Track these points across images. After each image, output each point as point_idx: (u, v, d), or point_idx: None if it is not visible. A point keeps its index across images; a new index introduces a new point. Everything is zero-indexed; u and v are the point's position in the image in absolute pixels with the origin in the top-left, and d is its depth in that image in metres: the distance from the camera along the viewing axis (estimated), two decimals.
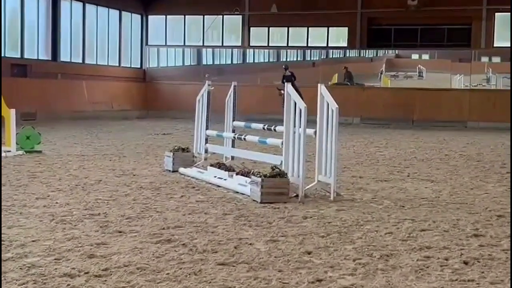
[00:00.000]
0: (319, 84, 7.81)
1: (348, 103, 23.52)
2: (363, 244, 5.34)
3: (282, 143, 7.90)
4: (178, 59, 32.35)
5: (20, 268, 4.37)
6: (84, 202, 7.04)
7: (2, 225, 5.71)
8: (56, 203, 6.94)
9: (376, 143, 16.66)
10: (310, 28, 29.26)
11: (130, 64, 30.71)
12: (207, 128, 9.99)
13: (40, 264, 4.49)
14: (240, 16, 29.70)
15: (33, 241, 5.16)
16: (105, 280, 4.18)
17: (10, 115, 11.64)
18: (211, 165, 9.30)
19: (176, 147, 10.15)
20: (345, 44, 29.28)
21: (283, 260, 4.78)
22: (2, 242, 5.07)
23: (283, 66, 26.51)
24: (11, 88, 20.46)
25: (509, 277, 4.42)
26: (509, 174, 10.28)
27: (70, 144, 14.25)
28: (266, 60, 31.98)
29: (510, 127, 20.19)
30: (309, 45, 29.63)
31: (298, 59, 31.15)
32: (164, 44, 31.34)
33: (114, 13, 29.21)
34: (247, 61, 31.65)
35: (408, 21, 27.66)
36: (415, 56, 30.59)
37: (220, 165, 9.24)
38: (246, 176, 8.14)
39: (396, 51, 30.18)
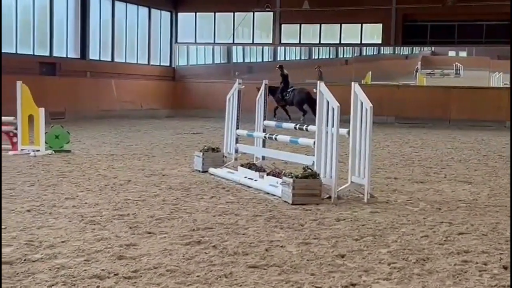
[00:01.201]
0: (352, 83, 7.76)
1: (382, 101, 23.37)
2: (398, 247, 5.30)
3: (314, 143, 7.87)
4: (208, 57, 32.44)
5: (50, 269, 4.43)
6: (113, 202, 7.11)
7: (31, 225, 5.80)
8: (85, 203, 7.01)
9: (411, 143, 16.52)
10: (343, 25, 29.15)
11: (159, 62, 30.92)
12: (237, 128, 10.00)
13: (69, 265, 4.55)
14: (271, 13, 29.72)
15: (62, 241, 5.22)
16: (135, 282, 4.21)
17: (39, 114, 11.79)
18: (242, 166, 9.32)
19: (206, 147, 10.18)
20: (379, 41, 29.11)
21: (315, 263, 4.76)
22: (31, 243, 5.15)
23: (278, 66, 26.42)
24: (40, 87, 20.76)
25: None
26: None
27: (99, 143, 14.40)
28: (298, 58, 31.87)
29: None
30: (341, 42, 29.51)
31: (331, 56, 30.98)
32: (193, 41, 31.49)
33: (144, 10, 29.44)
34: (278, 59, 31.57)
35: (445, 17, 27.38)
36: (452, 53, 30.19)
37: (250, 166, 9.25)
38: (277, 177, 8.13)
39: (432, 48, 29.81)
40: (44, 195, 7.42)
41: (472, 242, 5.56)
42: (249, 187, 8.39)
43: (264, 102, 9.83)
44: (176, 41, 31.38)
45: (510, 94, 24.01)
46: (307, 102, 24.59)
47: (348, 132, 7.68)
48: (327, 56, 31.01)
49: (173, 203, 7.16)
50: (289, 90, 25.40)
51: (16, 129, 11.87)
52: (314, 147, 7.87)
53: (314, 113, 27.87)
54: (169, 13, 31.08)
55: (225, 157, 10.13)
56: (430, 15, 27.48)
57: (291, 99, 25.33)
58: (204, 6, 30.18)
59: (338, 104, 7.46)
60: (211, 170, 9.65)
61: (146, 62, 29.95)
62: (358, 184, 7.62)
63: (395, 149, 14.76)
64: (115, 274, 4.35)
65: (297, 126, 8.97)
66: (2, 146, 12.23)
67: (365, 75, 28.36)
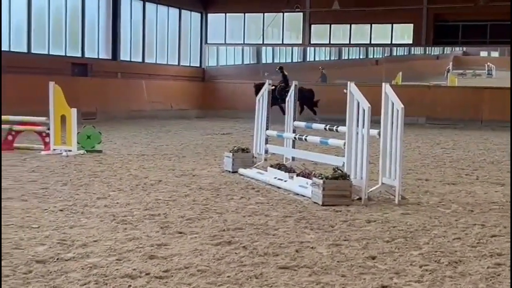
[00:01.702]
0: (383, 83, 7.71)
1: (413, 102, 23.15)
2: (430, 249, 5.25)
3: (344, 144, 7.84)
4: (237, 58, 32.52)
5: (82, 268, 4.47)
6: (144, 202, 7.16)
7: (64, 225, 5.87)
8: (117, 203, 7.07)
9: (442, 144, 16.36)
10: (373, 25, 29.01)
11: (189, 63, 31.09)
12: (267, 128, 10.01)
13: (101, 264, 4.59)
14: (301, 13, 29.68)
15: (94, 241, 5.27)
16: (166, 282, 4.24)
17: (71, 114, 11.92)
18: (271, 166, 9.32)
19: (235, 148, 10.20)
20: (410, 41, 28.90)
21: (346, 265, 4.74)
22: (64, 242, 5.21)
23: (278, 68, 26.78)
24: (72, 88, 20.97)
25: None
26: None
27: (130, 143, 14.52)
28: (327, 58, 31.79)
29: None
30: (372, 42, 29.36)
31: (361, 57, 30.84)
32: (223, 42, 31.59)
33: (174, 11, 29.63)
34: (308, 59, 31.53)
35: (477, 17, 27.07)
36: (483, 54, 29.83)
37: (280, 166, 9.25)
38: (307, 178, 8.12)
39: (464, 48, 29.51)
40: (76, 195, 7.51)
41: (505, 244, 5.49)
42: (278, 187, 8.38)
43: (294, 103, 9.82)
44: (206, 42, 31.52)
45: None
46: (307, 100, 25.60)
47: (379, 133, 7.63)
48: (357, 57, 30.87)
49: (203, 204, 7.18)
50: (288, 89, 25.64)
51: (48, 129, 12.02)
52: (344, 148, 7.84)
53: (313, 111, 27.80)
54: (199, 14, 31.22)
55: (255, 157, 10.14)
56: (461, 15, 27.19)
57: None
58: (234, 6, 30.26)
59: (369, 105, 7.41)
60: (241, 170, 9.66)
61: (176, 63, 30.13)
62: (389, 185, 7.57)
63: (426, 150, 14.63)
64: (146, 274, 4.38)
65: (327, 127, 8.93)
66: (35, 146, 12.43)
67: (395, 75, 28.17)
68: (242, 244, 5.28)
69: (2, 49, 21.66)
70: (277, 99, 25.82)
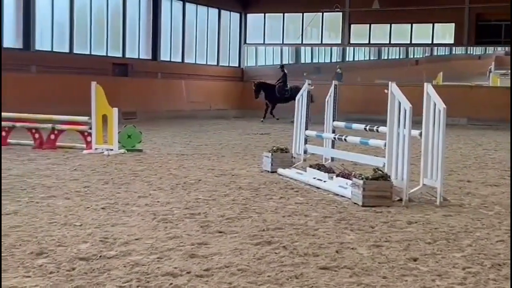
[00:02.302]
0: (425, 83, 7.62)
1: (454, 102, 22.78)
2: (473, 252, 5.18)
3: (385, 145, 7.77)
4: (276, 58, 32.50)
5: (124, 266, 4.52)
6: (184, 201, 7.21)
7: (106, 223, 5.94)
8: (158, 201, 7.13)
9: (484, 145, 16.11)
10: (414, 25, 28.70)
11: (228, 63, 31.20)
12: (306, 129, 9.98)
13: (143, 262, 4.63)
14: (340, 13, 29.53)
15: (136, 239, 5.32)
16: (207, 281, 4.26)
17: (113, 114, 12.07)
18: (310, 166, 9.29)
19: (274, 148, 10.19)
20: (451, 41, 28.52)
21: (387, 266, 4.70)
22: (106, 240, 5.27)
23: (280, 66, 27.08)
24: (113, 88, 21.23)
25: None
26: None
27: (169, 143, 14.63)
28: (367, 58, 31.56)
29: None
30: (412, 42, 29.05)
31: (401, 57, 30.54)
32: (262, 42, 31.61)
33: (213, 11, 29.77)
34: (347, 59, 31.35)
35: None
36: None
37: (319, 167, 9.21)
38: (347, 178, 8.07)
39: (506, 48, 28.99)
40: (117, 193, 7.59)
41: None
42: (318, 188, 8.35)
43: (334, 103, 9.77)
44: (245, 42, 31.59)
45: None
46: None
47: (420, 134, 7.55)
48: (397, 57, 30.59)
49: (243, 203, 7.20)
50: (287, 88, 25.96)
51: (90, 128, 12.18)
52: (385, 148, 7.77)
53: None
54: (238, 14, 31.31)
55: (294, 157, 10.12)
56: (504, 14, 26.68)
57: (290, 96, 25.49)
58: (273, 7, 30.27)
59: (410, 105, 7.34)
60: (280, 170, 9.65)
61: (215, 63, 30.27)
62: (430, 186, 7.48)
63: (467, 151, 14.42)
64: (187, 272, 4.41)
65: (368, 127, 8.86)
66: (77, 145, 12.62)
67: (436, 75, 27.83)
68: (282, 244, 5.27)
69: (46, 49, 22.08)
70: (278, 98, 26.07)
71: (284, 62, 28.17)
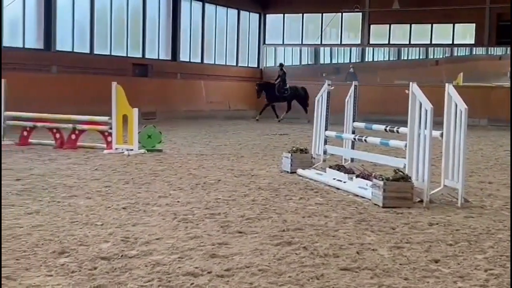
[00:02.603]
0: (446, 84, 7.57)
1: (474, 103, 22.66)
2: (495, 254, 5.13)
3: (405, 145, 7.74)
4: (295, 58, 32.48)
5: (146, 266, 4.54)
6: (204, 201, 7.22)
7: (127, 222, 5.97)
8: (178, 201, 7.16)
9: (505, 146, 15.96)
10: (434, 25, 28.53)
11: (247, 64, 31.24)
12: (326, 129, 9.96)
13: (164, 262, 4.65)
14: (360, 13, 29.44)
15: (157, 239, 5.34)
16: (228, 281, 4.26)
17: (133, 114, 12.12)
18: (330, 167, 9.27)
19: (294, 148, 10.18)
20: (471, 41, 28.30)
21: (408, 268, 4.67)
22: (127, 239, 5.29)
23: (279, 64, 27.24)
24: (133, 88, 21.34)
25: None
26: None
27: (189, 143, 14.67)
28: (386, 59, 31.44)
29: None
30: (432, 42, 28.89)
31: (421, 57, 30.38)
32: (281, 43, 31.60)
33: (233, 12, 29.82)
34: (366, 59, 31.25)
35: None
36: None
37: (339, 167, 9.19)
38: (367, 179, 8.04)
39: None
40: (138, 193, 7.63)
41: None
42: (337, 189, 8.33)
43: (354, 104, 9.74)
44: (264, 43, 31.59)
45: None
46: (302, 99, 26.24)
47: (441, 134, 7.50)
48: (417, 57, 30.43)
49: (263, 204, 7.19)
50: (286, 87, 26.10)
51: (111, 128, 12.25)
52: (405, 149, 7.73)
53: (305, 109, 27.40)
54: (257, 15, 31.34)
55: (314, 158, 10.10)
56: None
57: (289, 95, 26.15)
58: (292, 7, 30.25)
59: (431, 106, 7.29)
60: (300, 171, 9.64)
61: (235, 64, 30.32)
62: (451, 187, 7.43)
63: (488, 152, 14.31)
64: (208, 272, 4.41)
65: (388, 128, 8.82)
66: (98, 145, 12.70)
67: (456, 76, 27.63)
68: (302, 244, 5.27)
69: (67, 49, 22.25)
70: (278, 97, 26.06)
71: (283, 63, 28.16)
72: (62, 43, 22.04)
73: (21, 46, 20.85)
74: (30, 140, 13.15)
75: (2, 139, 13.17)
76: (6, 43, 20.21)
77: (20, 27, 20.87)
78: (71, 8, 22.27)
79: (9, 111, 13.43)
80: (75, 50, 22.58)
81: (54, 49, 21.56)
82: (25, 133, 13.15)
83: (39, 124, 13.11)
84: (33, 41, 21.30)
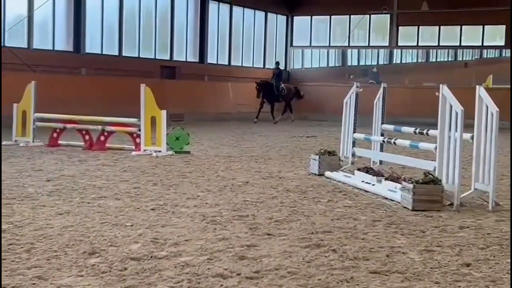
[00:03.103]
0: (477, 86, 7.48)
1: (504, 106, 22.37)
2: None
3: (435, 148, 7.66)
4: (322, 60, 32.42)
5: (175, 267, 4.55)
6: (232, 203, 7.22)
7: (156, 224, 6.00)
8: (206, 203, 7.17)
9: None
10: (463, 27, 28.26)
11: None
12: (354, 131, 9.91)
13: (193, 263, 4.65)
14: (388, 15, 29.26)
15: (185, 240, 5.35)
16: (257, 283, 4.25)
17: (161, 116, 12.19)
18: (359, 169, 9.21)
19: (322, 150, 10.14)
20: (501, 43, 27.95)
21: (439, 271, 4.62)
22: (157, 240, 5.32)
23: (276, 62, 26.92)
24: (161, 90, 21.48)
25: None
26: None
27: (216, 145, 14.70)
28: (414, 61, 31.22)
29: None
30: (461, 44, 28.60)
31: (449, 59, 30.12)
32: (308, 45, 31.55)
33: (260, 14, 29.85)
34: (394, 61, 31.07)
35: None
36: None
37: (367, 170, 9.13)
38: (396, 182, 7.98)
39: None
40: (166, 195, 7.66)
41: None
42: (366, 191, 8.28)
43: (382, 106, 9.68)
44: (291, 45, 31.58)
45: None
46: (296, 98, 26.11)
47: (472, 137, 7.41)
48: (446, 59, 30.17)
49: (291, 206, 7.18)
50: (282, 86, 25.62)
51: (139, 130, 12.32)
52: (435, 152, 7.66)
53: (291, 109, 26.18)
54: (284, 17, 31.32)
55: (342, 160, 10.06)
56: None
57: (286, 95, 25.72)
58: (319, 9, 30.18)
59: (462, 108, 7.21)
60: (328, 173, 9.60)
61: (262, 66, 30.32)
62: (482, 191, 7.33)
63: None
64: (237, 274, 4.41)
65: (417, 130, 8.74)
66: (126, 146, 12.79)
67: (485, 78, 27.32)
68: (331, 247, 5.24)
69: (96, 52, 22.46)
70: (277, 96, 25.49)
71: (279, 62, 27.69)
72: (91, 46, 22.27)
73: (51, 48, 21.10)
74: (59, 142, 13.30)
75: (32, 140, 13.34)
76: (36, 45, 20.50)
77: (50, 29, 21.14)
78: (100, 11, 22.50)
79: (39, 113, 13.59)
80: (104, 52, 22.80)
81: (83, 52, 21.79)
82: (55, 135, 13.30)
83: (68, 125, 13.24)
84: (63, 43, 21.56)
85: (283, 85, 25.71)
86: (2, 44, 19.32)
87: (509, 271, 4.68)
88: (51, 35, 21.16)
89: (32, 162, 10.49)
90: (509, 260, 5.00)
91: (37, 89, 13.58)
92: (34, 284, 4.09)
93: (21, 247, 4.95)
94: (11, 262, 4.54)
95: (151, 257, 4.79)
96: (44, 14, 20.62)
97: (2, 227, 5.64)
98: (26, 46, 20.30)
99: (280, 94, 25.55)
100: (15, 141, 13.44)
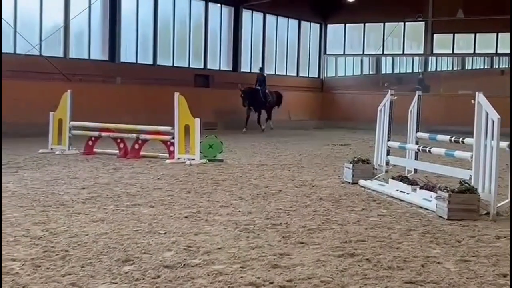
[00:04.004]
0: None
1: None
2: None
3: (471, 156, 7.55)
4: (356, 68, 32.27)
5: (208, 275, 4.55)
6: (265, 211, 7.21)
7: (189, 231, 6.01)
8: (239, 211, 7.17)
9: None
10: (499, 34, 27.87)
11: (308, 74, 31.18)
12: (389, 139, 9.83)
13: (226, 271, 4.65)
14: (423, 23, 29.01)
15: (218, 248, 5.36)
16: None
17: (195, 124, 12.24)
18: (393, 178, 9.13)
19: (355, 159, 10.07)
20: None
21: (475, 282, 4.55)
22: (190, 248, 5.33)
23: (259, 68, 25.79)
24: (195, 98, 21.58)
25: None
26: None
27: (249, 153, 14.71)
28: (450, 68, 30.88)
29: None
30: (498, 51, 28.21)
31: (485, 67, 29.72)
32: (342, 53, 31.44)
33: (294, 22, 29.84)
34: (429, 69, 30.76)
35: None
36: None
37: (402, 178, 9.03)
38: (431, 191, 7.89)
39: None
40: (200, 202, 7.68)
41: None
42: (401, 200, 8.19)
43: (417, 114, 9.58)
44: (325, 53, 31.51)
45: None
46: (277, 104, 25.19)
47: (509, 146, 7.30)
48: (482, 67, 29.78)
49: (324, 214, 7.14)
50: (267, 92, 24.61)
51: (173, 138, 12.39)
52: (471, 160, 7.55)
53: (270, 115, 24.60)
54: (318, 25, 31.27)
55: (376, 169, 9.98)
56: None
57: (273, 101, 24.84)
58: (353, 17, 30.07)
59: (499, 116, 7.10)
60: (361, 182, 9.53)
61: (295, 74, 30.30)
62: None
63: None
64: (270, 283, 4.39)
65: (453, 139, 8.64)
66: (160, 154, 12.87)
67: None
68: (365, 256, 5.19)
69: (131, 61, 22.70)
70: (264, 103, 24.34)
71: (263, 67, 26.51)
72: (126, 55, 22.53)
73: (86, 57, 21.39)
74: (95, 149, 13.45)
75: (68, 148, 13.51)
76: (72, 54, 20.81)
77: (85, 39, 21.43)
78: (135, 20, 22.75)
79: (75, 121, 13.77)
80: (138, 61, 23.03)
81: (119, 61, 22.04)
82: (90, 143, 13.46)
83: (103, 133, 13.39)
84: (98, 52, 21.84)
85: (268, 91, 24.70)
86: (39, 53, 19.64)
87: None
88: (87, 45, 21.45)
89: (68, 170, 10.62)
90: None
91: (73, 97, 13.77)
92: None
93: (56, 254, 5.00)
94: (46, 269, 4.59)
95: (184, 265, 4.79)
96: (80, 24, 20.92)
97: (38, 234, 5.72)
98: (63, 56, 20.60)
99: (267, 100, 24.58)
100: (51, 149, 13.64)
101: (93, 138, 13.50)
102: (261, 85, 24.44)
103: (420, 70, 30.69)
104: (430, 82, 29.30)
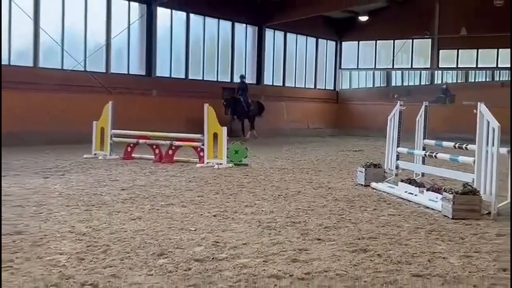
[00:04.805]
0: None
1: None
2: None
3: (474, 161, 7.48)
4: (369, 81, 32.12)
5: (234, 268, 4.56)
6: (286, 210, 7.20)
7: (217, 228, 6.03)
8: (262, 210, 7.17)
9: None
10: (500, 50, 27.57)
11: (325, 87, 31.13)
12: (398, 146, 9.77)
13: (250, 265, 4.65)
14: (430, 40, 28.82)
15: (243, 244, 5.36)
16: (308, 283, 4.22)
17: (222, 132, 12.28)
18: (402, 181, 9.07)
19: (368, 163, 10.03)
20: None
21: (477, 275, 4.49)
22: (217, 244, 5.34)
23: (240, 76, 23.74)
24: (222, 109, 21.69)
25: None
26: None
27: (272, 158, 14.70)
28: (454, 81, 30.57)
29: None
30: (498, 66, 27.91)
31: (487, 79, 29.39)
32: (356, 67, 31.35)
33: (312, 40, 29.87)
34: (435, 82, 30.48)
35: None
36: None
37: (410, 181, 8.98)
38: (437, 192, 7.82)
39: None
40: (227, 203, 7.69)
41: None
42: (409, 201, 8.13)
43: (424, 122, 9.51)
44: (340, 67, 31.42)
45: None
46: (259, 113, 23.51)
47: (508, 151, 7.21)
48: (483, 79, 29.46)
49: (339, 214, 7.11)
50: (249, 101, 22.87)
51: (203, 145, 12.44)
52: (474, 165, 7.47)
53: (253, 125, 23.10)
54: (334, 42, 31.22)
55: (386, 172, 9.92)
56: None
57: (255, 110, 23.20)
58: (366, 35, 29.99)
59: (499, 124, 7.03)
60: (373, 184, 9.48)
61: (313, 87, 30.27)
62: None
63: None
64: (290, 275, 4.39)
65: (457, 145, 8.56)
66: (191, 159, 12.92)
67: None
68: (376, 252, 5.16)
69: (165, 75, 22.83)
70: (247, 112, 22.65)
71: (244, 75, 24.26)
72: (161, 70, 22.67)
73: (126, 72, 21.57)
74: (133, 155, 13.55)
75: (109, 153, 13.62)
76: (113, 69, 21.00)
77: (125, 56, 21.62)
78: (169, 39, 22.90)
79: (115, 129, 13.89)
80: (172, 76, 23.17)
81: (154, 75, 22.19)
82: (129, 149, 13.56)
83: (141, 140, 13.49)
84: (137, 68, 22.01)
85: (250, 100, 22.99)
86: (84, 69, 19.86)
87: None
88: (126, 61, 21.62)
89: (109, 173, 10.71)
90: None
91: (114, 108, 13.89)
92: (109, 281, 4.16)
93: (98, 249, 5.05)
94: (90, 262, 4.63)
95: (213, 258, 4.81)
96: (120, 42, 21.12)
97: (82, 230, 5.78)
98: (104, 71, 20.79)
99: (249, 109, 22.79)
100: (94, 154, 13.78)
101: (131, 145, 13.60)
102: (242, 94, 22.72)
103: (427, 83, 30.44)
104: (435, 94, 29.03)
